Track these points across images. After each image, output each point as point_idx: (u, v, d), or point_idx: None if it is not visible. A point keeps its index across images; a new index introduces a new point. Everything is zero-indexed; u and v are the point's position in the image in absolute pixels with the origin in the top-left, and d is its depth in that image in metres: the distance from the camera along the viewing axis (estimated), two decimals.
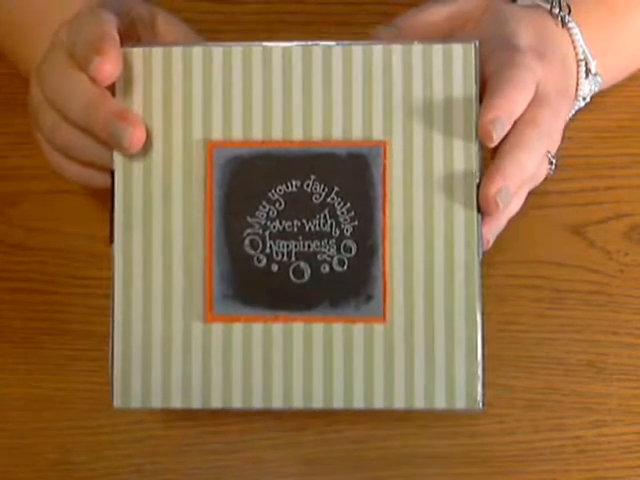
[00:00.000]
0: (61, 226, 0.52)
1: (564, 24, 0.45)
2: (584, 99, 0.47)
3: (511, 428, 0.48)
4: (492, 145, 0.39)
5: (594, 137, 0.51)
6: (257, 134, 0.40)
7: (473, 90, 0.39)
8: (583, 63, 0.46)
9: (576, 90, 0.46)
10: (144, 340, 0.41)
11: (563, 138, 0.45)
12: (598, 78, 0.47)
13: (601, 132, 0.51)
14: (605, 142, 0.51)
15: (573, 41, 0.46)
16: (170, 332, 0.41)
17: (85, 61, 0.39)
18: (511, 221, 0.43)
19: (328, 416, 0.49)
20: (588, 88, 0.47)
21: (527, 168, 0.40)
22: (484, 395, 0.40)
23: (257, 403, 0.40)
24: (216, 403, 0.40)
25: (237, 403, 0.40)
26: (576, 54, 0.46)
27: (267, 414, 0.49)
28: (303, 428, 0.49)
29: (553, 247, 0.50)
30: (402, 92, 0.39)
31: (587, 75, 0.46)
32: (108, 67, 0.39)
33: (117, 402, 0.41)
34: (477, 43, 0.40)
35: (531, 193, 0.44)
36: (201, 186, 0.40)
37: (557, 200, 0.50)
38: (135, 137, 0.40)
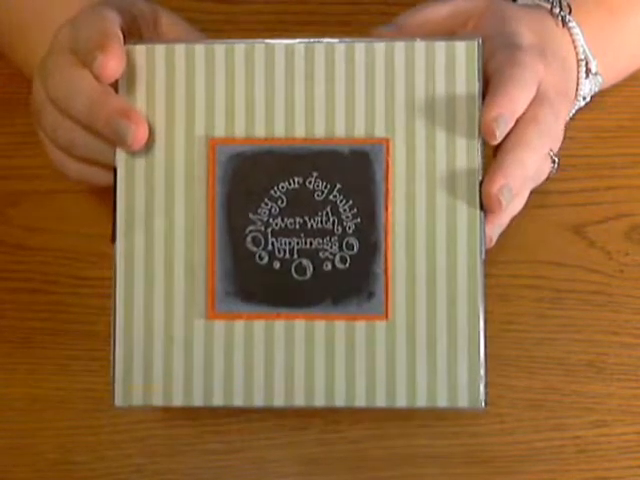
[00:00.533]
0: (61, 226, 0.52)
1: (564, 24, 0.45)
2: (584, 98, 0.48)
3: (511, 428, 0.48)
4: (495, 142, 0.40)
5: (594, 137, 0.51)
6: (259, 131, 0.40)
7: (476, 88, 0.39)
8: (583, 63, 0.46)
9: (576, 90, 0.47)
10: (145, 338, 0.41)
11: (564, 138, 0.45)
12: (598, 78, 0.47)
13: (601, 132, 0.51)
14: (605, 142, 0.51)
15: (574, 41, 0.46)
16: (171, 329, 0.41)
17: (89, 58, 0.39)
18: (513, 220, 0.43)
19: (329, 416, 0.49)
20: (588, 88, 0.47)
21: (528, 166, 0.40)
22: (487, 394, 0.40)
23: (258, 401, 0.40)
24: (217, 401, 0.40)
25: (238, 401, 0.40)
26: (576, 54, 0.46)
27: (268, 413, 0.49)
28: (304, 428, 0.49)
29: (553, 247, 0.50)
30: (404, 89, 0.39)
31: (587, 75, 0.46)
32: (112, 64, 0.39)
33: (118, 401, 0.41)
34: (480, 40, 0.40)
35: (531, 193, 0.44)
36: (203, 183, 0.40)
37: (557, 200, 0.50)
38: (138, 135, 0.40)
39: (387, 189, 0.39)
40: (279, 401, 0.40)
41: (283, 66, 0.40)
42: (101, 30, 0.40)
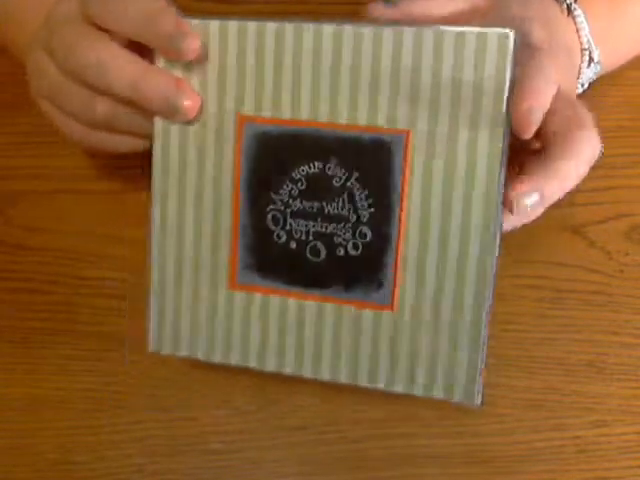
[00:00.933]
0: (61, 226, 0.52)
1: (570, 12, 0.45)
2: (582, 86, 0.47)
3: (511, 428, 0.48)
4: (528, 136, 0.37)
5: None
6: (286, 112, 0.40)
7: (505, 83, 0.37)
8: (587, 52, 0.45)
9: (577, 78, 0.46)
10: (176, 295, 0.43)
11: None
12: (598, 66, 0.46)
13: (601, 132, 0.51)
14: (605, 142, 0.50)
15: (578, 30, 0.45)
16: (198, 292, 0.43)
17: (169, 41, 0.39)
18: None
19: (329, 416, 0.49)
20: (587, 76, 0.47)
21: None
22: (483, 392, 0.40)
23: (270, 366, 0.42)
24: (234, 360, 0.43)
25: (253, 363, 0.42)
26: (580, 43, 0.45)
27: (267, 414, 0.49)
28: (303, 428, 0.49)
29: (553, 247, 0.50)
30: (430, 79, 0.38)
31: (589, 64, 0.46)
32: (195, 47, 0.39)
33: (151, 347, 0.44)
34: (514, 33, 0.37)
35: None
36: (231, 158, 0.41)
37: (557, 200, 0.50)
38: (193, 104, 0.40)
39: (404, 181, 0.39)
40: (289, 369, 0.42)
41: (311, 48, 0.39)
42: (169, 11, 0.39)
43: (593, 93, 0.49)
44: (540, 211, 0.41)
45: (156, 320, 0.43)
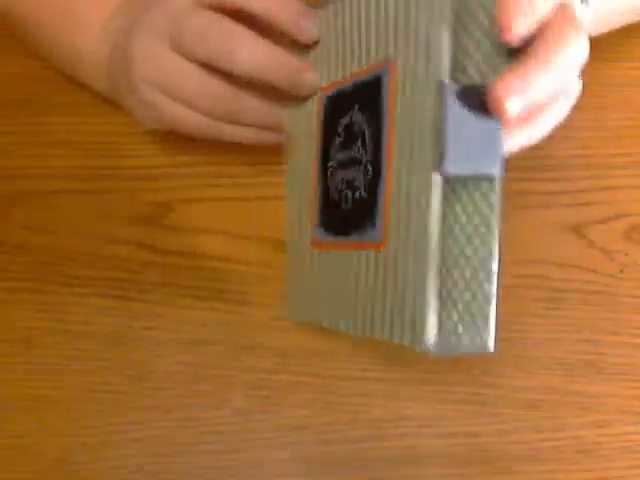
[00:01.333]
0: (61, 226, 0.52)
1: None
2: None
3: (511, 428, 0.48)
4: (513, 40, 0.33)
5: (594, 137, 0.51)
6: (338, 74, 0.43)
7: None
8: None
9: None
10: (296, 263, 0.47)
11: (563, 138, 0.44)
12: (590, 9, 0.41)
13: (601, 132, 0.51)
14: (605, 142, 0.51)
15: None
16: (304, 257, 0.46)
17: (293, 26, 0.43)
18: (511, 220, 0.43)
19: (328, 416, 0.49)
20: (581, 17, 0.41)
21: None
22: (439, 335, 0.34)
23: (332, 324, 0.42)
24: (326, 323, 0.44)
25: (326, 322, 0.44)
26: None
27: (267, 413, 0.49)
28: (303, 428, 0.49)
29: (553, 247, 0.49)
30: (404, 5, 0.36)
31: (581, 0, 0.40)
32: (316, 32, 0.43)
33: (287, 314, 0.48)
34: None
35: (531, 193, 0.44)
36: (315, 126, 0.44)
37: (557, 200, 0.50)
38: (316, 80, 0.44)
39: (390, 114, 0.37)
40: (343, 326, 0.41)
41: (341, 11, 0.42)
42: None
43: (593, 94, 0.49)
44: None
45: (290, 285, 0.47)
